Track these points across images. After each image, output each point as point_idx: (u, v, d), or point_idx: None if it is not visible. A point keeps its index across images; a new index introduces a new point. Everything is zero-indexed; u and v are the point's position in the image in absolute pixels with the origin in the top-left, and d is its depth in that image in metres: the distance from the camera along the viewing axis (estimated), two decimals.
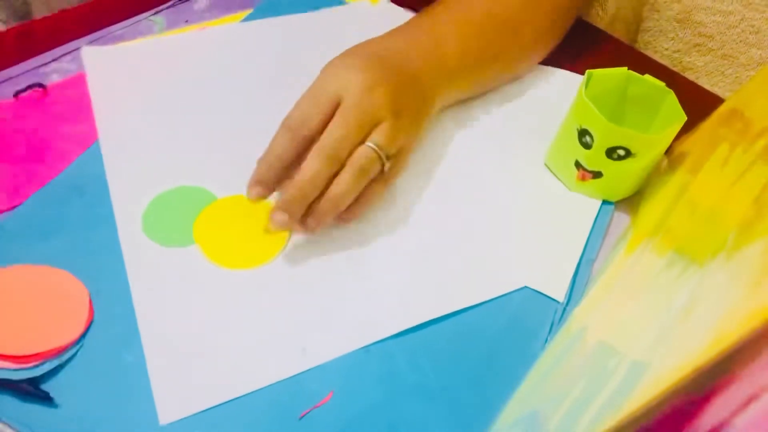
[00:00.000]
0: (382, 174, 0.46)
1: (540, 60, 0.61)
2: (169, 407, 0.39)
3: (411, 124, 0.48)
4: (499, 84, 0.59)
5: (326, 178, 0.44)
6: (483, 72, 0.55)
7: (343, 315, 0.44)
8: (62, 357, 0.40)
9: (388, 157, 0.45)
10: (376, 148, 0.44)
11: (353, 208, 0.46)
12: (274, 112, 0.48)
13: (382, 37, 0.51)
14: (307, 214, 0.45)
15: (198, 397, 0.39)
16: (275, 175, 0.45)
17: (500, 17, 0.55)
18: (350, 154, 0.44)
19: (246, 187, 0.45)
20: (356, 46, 0.50)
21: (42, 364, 0.39)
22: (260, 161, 0.45)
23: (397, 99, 0.46)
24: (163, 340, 0.41)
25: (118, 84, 0.55)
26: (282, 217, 0.44)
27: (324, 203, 0.44)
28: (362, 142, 0.44)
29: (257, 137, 0.48)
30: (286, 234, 0.47)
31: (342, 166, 0.44)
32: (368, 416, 0.40)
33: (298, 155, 0.44)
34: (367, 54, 0.48)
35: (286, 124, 0.45)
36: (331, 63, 0.48)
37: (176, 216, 0.47)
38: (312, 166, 0.43)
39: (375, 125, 0.45)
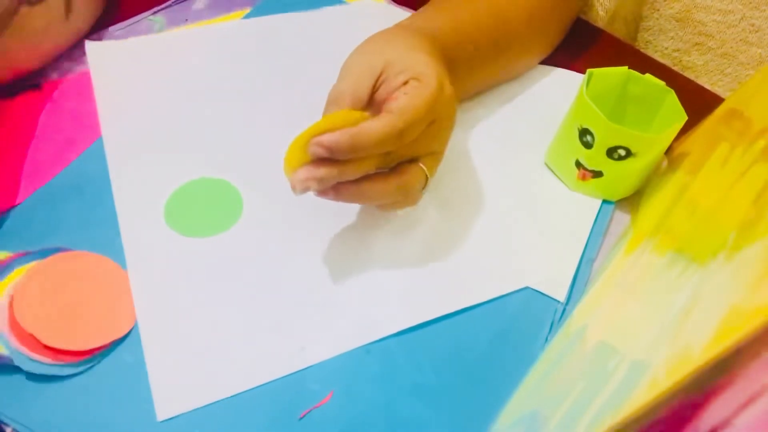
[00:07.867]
0: None
1: (542, 59, 0.61)
2: (167, 403, 0.39)
3: None
4: (498, 83, 0.59)
5: None
6: (490, 67, 0.55)
7: (344, 313, 0.44)
8: (109, 351, 0.41)
9: None
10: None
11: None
12: (274, 110, 0.48)
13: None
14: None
15: (196, 393, 0.40)
16: None
17: (507, 13, 0.54)
18: None
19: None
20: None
21: (92, 359, 0.40)
22: None
23: None
24: (162, 337, 0.41)
25: (122, 79, 0.55)
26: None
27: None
28: None
29: (258, 133, 0.48)
30: None
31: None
32: (368, 416, 0.40)
33: None
34: None
35: None
36: None
37: (196, 207, 0.48)
38: None
39: None
